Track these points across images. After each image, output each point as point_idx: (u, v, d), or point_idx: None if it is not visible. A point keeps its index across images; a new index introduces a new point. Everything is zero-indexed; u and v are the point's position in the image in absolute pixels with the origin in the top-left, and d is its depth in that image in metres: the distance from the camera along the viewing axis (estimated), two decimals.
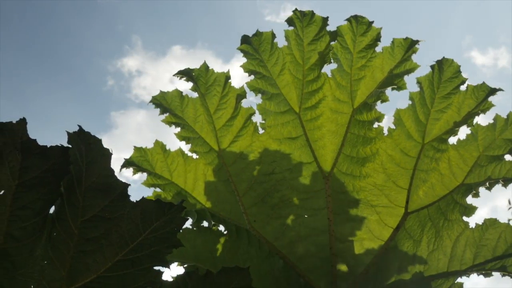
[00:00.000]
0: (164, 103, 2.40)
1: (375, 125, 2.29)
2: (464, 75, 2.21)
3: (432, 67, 2.24)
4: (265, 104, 2.35)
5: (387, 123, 2.35)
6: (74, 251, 1.52)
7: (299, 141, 2.27)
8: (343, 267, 2.14)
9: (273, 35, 2.28)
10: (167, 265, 1.59)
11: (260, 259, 2.26)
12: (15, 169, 1.40)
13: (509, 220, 2.52)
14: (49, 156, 1.40)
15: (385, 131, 2.30)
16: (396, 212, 2.18)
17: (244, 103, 2.39)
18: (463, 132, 2.37)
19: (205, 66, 2.32)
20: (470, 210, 2.25)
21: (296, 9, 2.24)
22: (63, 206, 1.51)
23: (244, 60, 2.33)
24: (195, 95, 2.41)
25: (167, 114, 2.43)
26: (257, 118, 2.40)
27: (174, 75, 2.34)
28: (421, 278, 2.15)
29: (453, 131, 2.24)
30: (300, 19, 2.24)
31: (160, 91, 2.39)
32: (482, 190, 2.32)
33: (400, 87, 2.30)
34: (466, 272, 2.18)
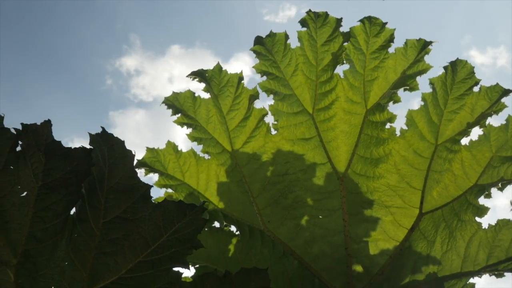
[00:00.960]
0: (176, 104, 2.40)
1: (387, 125, 2.29)
2: None
3: (445, 68, 2.25)
4: (277, 105, 2.35)
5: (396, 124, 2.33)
6: (95, 252, 1.52)
7: (313, 142, 2.28)
8: (359, 268, 2.15)
9: (287, 36, 2.29)
10: (187, 266, 1.60)
11: (273, 259, 2.26)
12: (38, 170, 1.40)
13: None
14: (73, 157, 1.40)
15: (397, 132, 2.30)
16: (410, 213, 2.18)
17: (256, 103, 2.40)
18: (475, 132, 2.38)
19: (218, 67, 2.32)
20: (483, 210, 2.25)
21: (309, 10, 2.24)
22: (84, 207, 1.52)
23: (257, 61, 2.33)
24: (207, 95, 2.42)
25: (179, 115, 2.43)
26: (268, 119, 2.41)
27: (187, 76, 2.35)
28: (435, 278, 2.15)
29: (466, 132, 2.24)
30: (314, 20, 2.25)
31: (173, 92, 2.40)
32: (493, 190, 2.33)
33: (413, 87, 2.30)
34: (479, 272, 2.18)
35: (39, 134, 1.36)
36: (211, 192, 2.40)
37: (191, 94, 2.40)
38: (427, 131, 2.26)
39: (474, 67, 2.18)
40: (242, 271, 1.65)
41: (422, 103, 2.31)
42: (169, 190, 2.49)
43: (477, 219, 2.25)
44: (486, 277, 2.28)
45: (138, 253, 1.52)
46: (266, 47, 2.30)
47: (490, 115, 2.23)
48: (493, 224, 2.21)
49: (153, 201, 1.50)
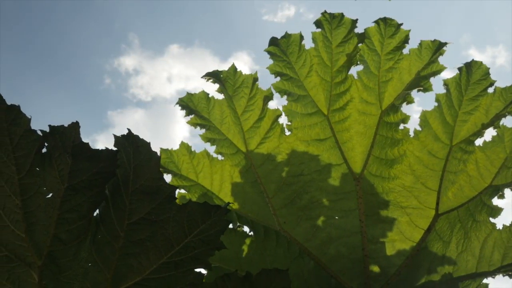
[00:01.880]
0: (190, 104, 2.41)
1: (401, 126, 2.30)
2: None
3: (459, 69, 2.25)
4: (291, 105, 2.36)
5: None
6: (119, 253, 1.52)
7: (328, 143, 2.28)
8: (376, 268, 2.15)
9: (301, 37, 2.30)
10: (209, 267, 1.60)
11: (288, 260, 2.27)
12: (64, 172, 1.41)
13: None
14: (99, 159, 1.40)
15: (411, 133, 2.31)
16: (426, 214, 2.19)
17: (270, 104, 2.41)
18: (488, 133, 2.39)
19: (233, 68, 2.33)
20: (496, 211, 2.26)
21: (325, 11, 2.25)
22: (108, 208, 1.52)
23: (271, 61, 2.34)
24: (221, 96, 2.42)
25: (192, 116, 2.44)
26: (282, 120, 2.41)
27: (202, 77, 2.35)
28: (450, 279, 2.16)
29: (480, 133, 2.25)
30: (329, 22, 2.25)
31: (187, 92, 2.40)
32: (506, 191, 2.34)
33: (426, 88, 2.31)
34: (494, 273, 2.19)
35: (66, 136, 1.36)
36: (225, 193, 2.41)
37: (205, 95, 2.41)
38: (441, 132, 2.26)
39: (489, 68, 2.19)
40: (263, 272, 1.65)
41: (436, 104, 2.32)
42: (182, 191, 2.49)
43: (491, 219, 2.26)
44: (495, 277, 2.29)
45: (161, 254, 1.53)
46: (281, 48, 2.30)
47: (504, 116, 2.24)
48: (508, 224, 2.22)
49: (177, 202, 1.50)
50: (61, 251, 1.49)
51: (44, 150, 1.43)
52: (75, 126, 1.35)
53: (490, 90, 2.24)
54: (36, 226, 1.46)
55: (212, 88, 2.44)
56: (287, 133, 2.36)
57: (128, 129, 1.43)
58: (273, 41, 2.30)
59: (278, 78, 2.36)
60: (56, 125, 1.35)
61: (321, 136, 2.29)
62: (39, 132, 1.40)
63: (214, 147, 2.46)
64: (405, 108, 2.35)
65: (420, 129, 2.31)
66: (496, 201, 2.29)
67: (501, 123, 2.28)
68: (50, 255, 1.48)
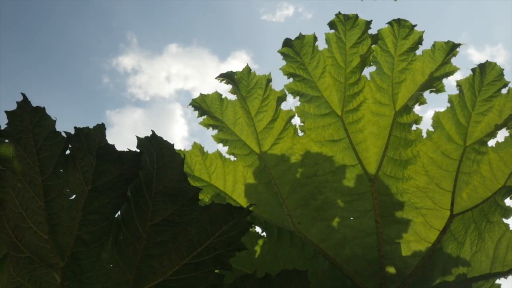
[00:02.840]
0: (203, 105, 2.41)
1: (414, 127, 2.31)
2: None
3: (473, 70, 2.26)
4: (304, 106, 2.36)
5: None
6: (141, 254, 1.53)
7: (342, 144, 2.29)
8: (391, 269, 2.16)
9: (315, 38, 2.30)
10: (229, 268, 1.60)
11: (302, 260, 2.27)
12: (88, 173, 1.41)
13: None
14: (123, 161, 1.41)
15: (423, 134, 2.32)
16: (441, 215, 2.20)
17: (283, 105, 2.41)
18: (500, 134, 2.40)
19: (247, 69, 2.34)
20: (509, 212, 2.26)
21: (339, 13, 2.25)
22: (130, 210, 1.52)
23: (284, 63, 2.34)
24: (234, 97, 2.43)
25: (205, 117, 2.44)
26: (294, 121, 2.42)
27: (216, 78, 2.36)
28: (464, 279, 2.17)
29: (493, 134, 2.25)
30: (343, 23, 2.26)
31: (200, 93, 2.41)
32: None
33: (439, 89, 2.32)
34: (508, 273, 2.20)
35: (91, 138, 1.36)
36: (239, 194, 2.41)
37: (218, 96, 2.41)
38: (454, 133, 2.27)
39: (503, 69, 2.20)
40: (282, 272, 1.65)
41: (449, 105, 2.33)
42: None
43: (504, 220, 2.27)
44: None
45: (183, 256, 1.53)
46: (295, 49, 2.31)
47: None
48: None
49: (199, 204, 1.51)
50: (83, 252, 1.49)
51: (67, 151, 1.43)
52: (100, 128, 1.36)
53: (504, 91, 2.24)
54: (59, 228, 1.46)
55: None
56: (300, 134, 2.37)
57: (152, 131, 1.43)
58: (287, 42, 2.31)
59: (291, 79, 2.36)
60: (81, 127, 1.35)
61: (335, 137, 2.30)
62: (64, 134, 1.40)
63: (226, 148, 2.47)
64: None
65: (433, 130, 2.31)
66: (508, 202, 2.30)
67: None
68: (73, 256, 1.49)
